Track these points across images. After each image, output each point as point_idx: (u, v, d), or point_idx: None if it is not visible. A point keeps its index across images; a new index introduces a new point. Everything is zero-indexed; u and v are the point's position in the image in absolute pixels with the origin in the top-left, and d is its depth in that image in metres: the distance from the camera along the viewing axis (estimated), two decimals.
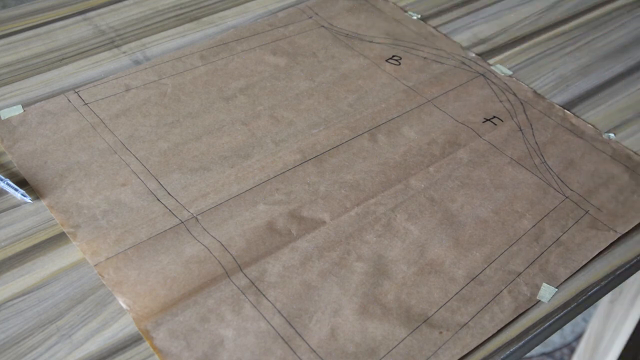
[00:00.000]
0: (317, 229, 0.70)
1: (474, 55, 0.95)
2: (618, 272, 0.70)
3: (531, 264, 0.69)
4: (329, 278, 0.66)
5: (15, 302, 0.62)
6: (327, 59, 0.92)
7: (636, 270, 0.72)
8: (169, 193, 0.72)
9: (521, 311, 0.65)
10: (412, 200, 0.74)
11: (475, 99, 0.87)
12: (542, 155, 0.80)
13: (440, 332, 0.62)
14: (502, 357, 0.62)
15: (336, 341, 0.61)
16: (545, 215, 0.73)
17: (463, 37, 0.98)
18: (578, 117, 0.86)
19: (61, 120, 0.80)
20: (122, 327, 0.61)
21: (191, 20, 0.98)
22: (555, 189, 0.76)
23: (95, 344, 0.60)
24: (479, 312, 0.64)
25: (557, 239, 0.71)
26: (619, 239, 0.72)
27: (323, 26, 0.98)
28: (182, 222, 0.69)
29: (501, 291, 0.66)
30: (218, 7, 1.01)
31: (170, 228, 0.69)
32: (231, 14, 0.99)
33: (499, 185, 0.76)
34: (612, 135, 0.84)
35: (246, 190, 0.73)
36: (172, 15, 0.99)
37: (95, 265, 0.65)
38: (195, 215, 0.70)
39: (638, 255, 0.71)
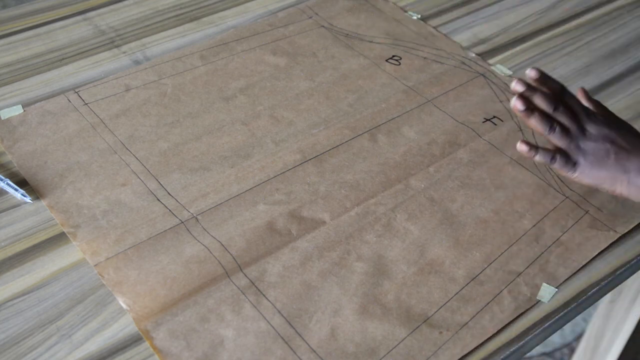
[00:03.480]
0: (317, 229, 0.70)
1: (474, 55, 0.95)
2: (618, 272, 0.70)
3: (531, 264, 0.69)
4: (329, 278, 0.66)
5: (15, 302, 0.62)
6: (327, 59, 0.92)
7: (636, 270, 0.72)
8: (169, 193, 0.72)
9: (521, 311, 0.65)
10: (412, 200, 0.74)
11: (475, 99, 0.87)
12: None
13: (440, 332, 0.62)
14: (502, 357, 0.62)
15: (336, 341, 0.61)
16: (545, 215, 0.73)
17: (463, 37, 0.98)
18: None
19: (61, 120, 0.80)
20: (122, 327, 0.61)
21: (191, 20, 0.98)
22: (555, 189, 0.76)
23: (95, 344, 0.60)
24: (479, 312, 0.64)
25: (557, 239, 0.71)
26: (619, 239, 0.72)
27: (323, 26, 0.98)
28: (182, 222, 0.69)
29: (501, 291, 0.66)
30: (218, 7, 1.01)
31: (170, 228, 0.69)
32: (231, 14, 0.99)
33: (499, 185, 0.76)
34: None
35: (246, 190, 0.73)
36: (172, 15, 0.99)
37: (95, 265, 0.65)
38: (195, 215, 0.70)
39: (638, 255, 0.71)
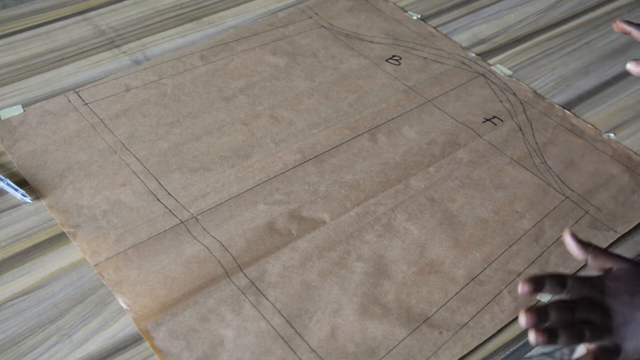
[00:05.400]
0: (317, 229, 0.70)
1: (474, 55, 0.95)
2: None
3: (531, 264, 0.69)
4: (329, 278, 0.66)
5: (15, 302, 0.62)
6: (327, 59, 0.92)
7: None
8: (169, 193, 0.72)
9: None
10: (412, 200, 0.74)
11: (475, 99, 0.87)
12: (542, 155, 0.80)
13: (440, 332, 0.62)
14: (502, 357, 0.62)
15: (336, 341, 0.61)
16: (545, 215, 0.73)
17: (463, 37, 0.98)
18: (578, 117, 0.86)
19: (61, 120, 0.80)
20: (122, 327, 0.61)
21: (191, 20, 0.98)
22: (555, 189, 0.76)
23: (95, 344, 0.60)
24: (479, 312, 0.64)
25: (557, 239, 0.71)
26: (618, 239, 0.72)
27: (323, 26, 0.98)
28: (182, 222, 0.69)
29: (501, 291, 0.66)
30: (218, 7, 1.01)
31: (170, 228, 0.69)
32: (231, 14, 0.99)
33: (499, 185, 0.76)
34: (612, 135, 0.84)
35: (246, 190, 0.73)
36: (172, 15, 0.98)
37: (95, 265, 0.65)
38: (195, 215, 0.70)
39: (638, 255, 0.71)
